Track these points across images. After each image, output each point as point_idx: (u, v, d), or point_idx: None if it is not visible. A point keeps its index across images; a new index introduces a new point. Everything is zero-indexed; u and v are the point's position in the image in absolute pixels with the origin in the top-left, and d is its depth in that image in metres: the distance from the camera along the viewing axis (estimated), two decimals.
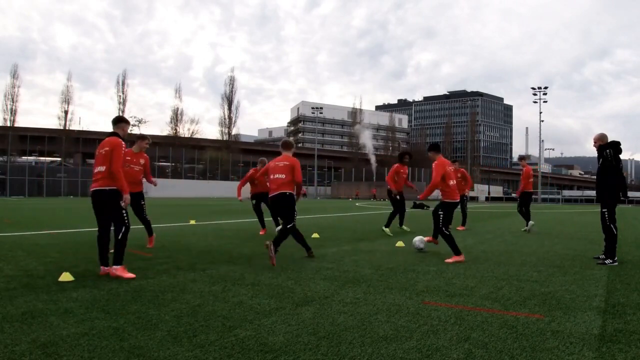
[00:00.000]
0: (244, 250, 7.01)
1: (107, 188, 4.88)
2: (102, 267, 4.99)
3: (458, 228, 11.03)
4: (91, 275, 4.88)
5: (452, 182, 6.64)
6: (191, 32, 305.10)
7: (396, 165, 10.08)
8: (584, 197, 55.36)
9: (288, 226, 6.19)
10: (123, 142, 5.07)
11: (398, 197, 10.08)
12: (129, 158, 6.54)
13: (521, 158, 11.72)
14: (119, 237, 4.88)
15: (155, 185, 7.29)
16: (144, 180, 7.04)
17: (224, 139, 73.33)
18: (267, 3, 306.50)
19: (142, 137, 6.90)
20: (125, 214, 4.98)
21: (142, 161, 6.78)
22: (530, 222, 10.83)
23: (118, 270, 4.81)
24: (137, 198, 6.70)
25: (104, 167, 4.89)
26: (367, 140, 78.48)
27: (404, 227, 10.53)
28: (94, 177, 5.01)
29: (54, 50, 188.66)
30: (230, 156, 67.38)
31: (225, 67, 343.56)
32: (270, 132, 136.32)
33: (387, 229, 9.76)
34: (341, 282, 4.73)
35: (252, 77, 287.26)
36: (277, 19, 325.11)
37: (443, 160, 6.67)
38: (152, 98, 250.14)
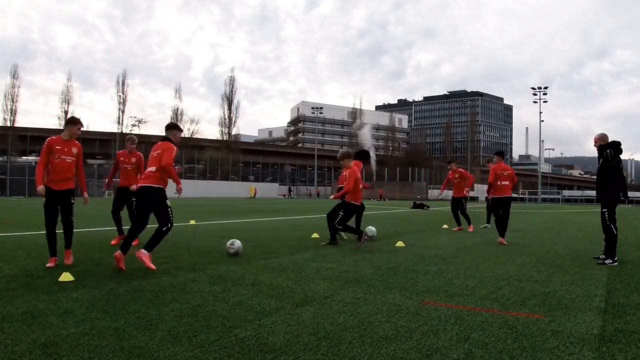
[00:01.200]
0: (244, 251, 7.01)
1: (156, 186, 5.28)
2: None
3: (469, 229, 11.03)
4: (91, 275, 4.88)
5: (499, 183, 8.40)
6: (191, 32, 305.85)
7: (360, 163, 8.59)
8: (584, 197, 55.37)
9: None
10: (175, 147, 5.46)
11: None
12: (59, 147, 5.36)
13: (488, 161, 12.56)
14: (163, 229, 5.32)
15: (83, 185, 5.72)
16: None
17: (224, 139, 73.26)
18: (266, 3, 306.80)
19: (73, 121, 5.56)
20: (170, 212, 5.38)
21: (74, 150, 5.48)
22: (487, 224, 12.26)
23: (146, 256, 5.23)
24: (67, 196, 5.42)
25: (154, 167, 5.31)
26: (366, 137, 78.13)
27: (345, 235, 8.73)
28: (144, 175, 5.48)
29: (54, 50, 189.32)
30: (230, 156, 67.37)
31: (225, 67, 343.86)
32: (270, 132, 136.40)
33: (345, 236, 8.58)
34: (341, 282, 4.73)
35: (252, 77, 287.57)
36: (276, 19, 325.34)
37: (495, 166, 8.55)
38: (152, 98, 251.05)
